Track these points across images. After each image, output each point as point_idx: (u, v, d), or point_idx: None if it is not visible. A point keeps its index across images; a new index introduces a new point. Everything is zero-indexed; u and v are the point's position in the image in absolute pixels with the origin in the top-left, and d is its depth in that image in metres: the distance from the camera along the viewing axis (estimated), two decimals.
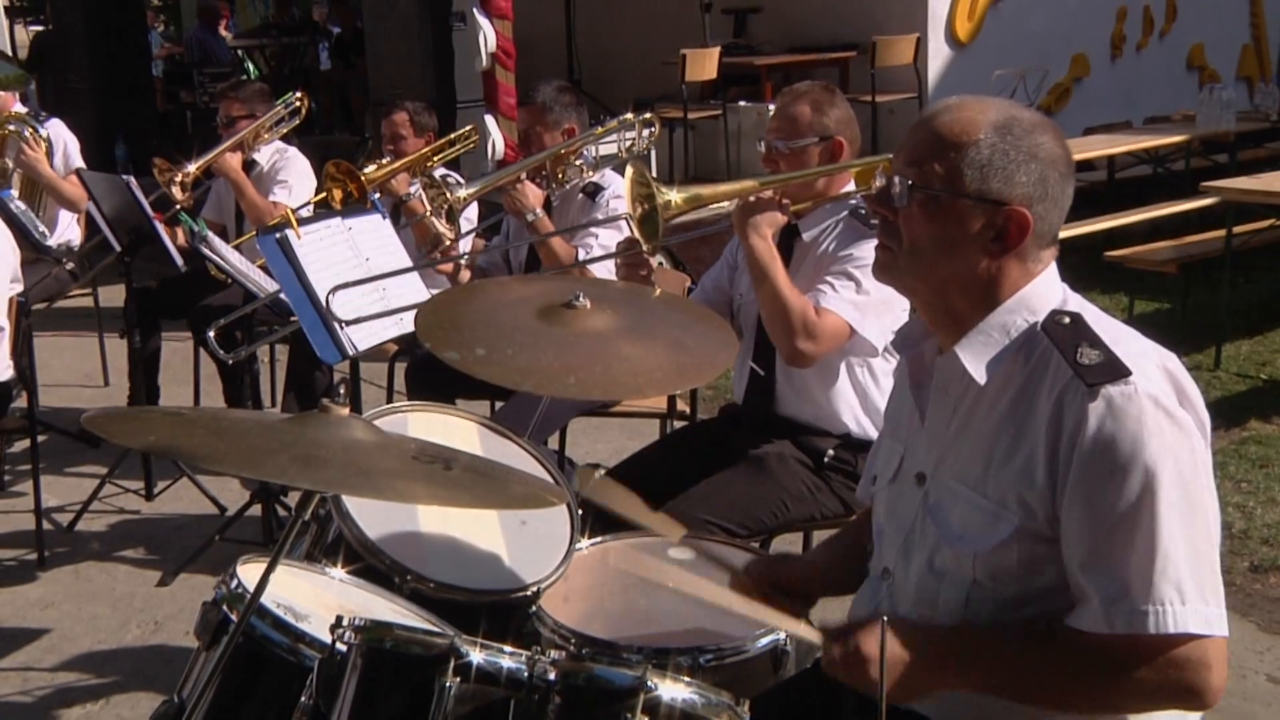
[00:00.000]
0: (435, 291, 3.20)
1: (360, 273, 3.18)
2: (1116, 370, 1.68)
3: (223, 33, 14.84)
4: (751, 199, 2.94)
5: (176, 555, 4.31)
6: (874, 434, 3.09)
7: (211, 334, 3.01)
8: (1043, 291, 1.80)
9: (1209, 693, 1.65)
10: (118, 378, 6.13)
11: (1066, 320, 1.76)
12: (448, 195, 3.87)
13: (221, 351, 3.00)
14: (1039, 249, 1.80)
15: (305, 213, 4.73)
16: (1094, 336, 1.73)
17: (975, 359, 1.77)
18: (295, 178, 5.46)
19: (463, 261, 4.31)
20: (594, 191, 4.17)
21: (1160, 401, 1.67)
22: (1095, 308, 1.82)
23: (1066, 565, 1.70)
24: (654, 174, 2.97)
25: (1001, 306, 1.79)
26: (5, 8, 13.45)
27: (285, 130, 5.56)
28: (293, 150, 5.61)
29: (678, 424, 4.01)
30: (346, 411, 1.55)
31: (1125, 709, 1.74)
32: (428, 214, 4.04)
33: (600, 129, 4.24)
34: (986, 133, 1.74)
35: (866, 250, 2.98)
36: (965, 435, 1.82)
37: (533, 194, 4.07)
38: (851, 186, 3.15)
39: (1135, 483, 1.64)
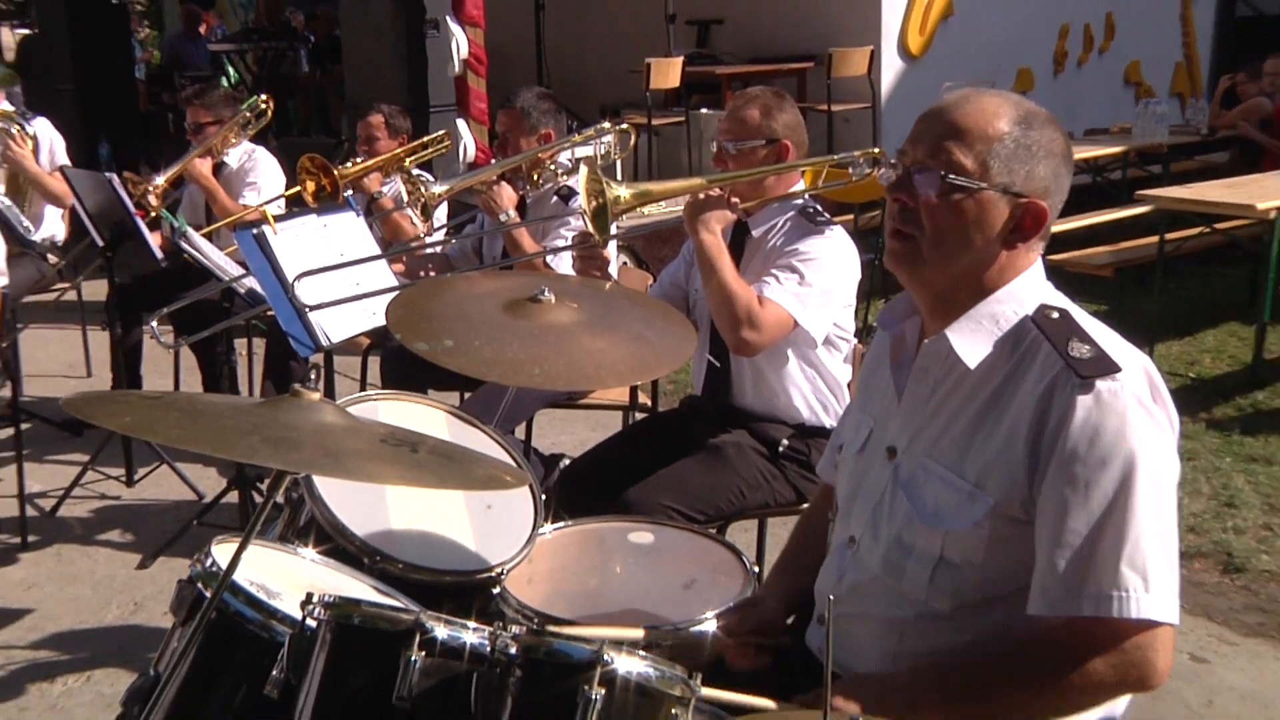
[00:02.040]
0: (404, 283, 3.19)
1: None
2: (1108, 366, 1.69)
3: (202, 35, 14.73)
4: (701, 196, 2.95)
5: (155, 539, 4.29)
6: (827, 422, 3.12)
7: (154, 322, 3.00)
8: (1031, 285, 1.81)
9: (1158, 676, 1.68)
10: (100, 369, 6.09)
11: (1055, 315, 1.76)
12: (423, 191, 3.87)
13: (163, 340, 3.00)
14: (1040, 240, 1.81)
15: (276, 208, 4.71)
16: (1083, 332, 1.74)
17: (966, 344, 1.77)
18: (264, 179, 5.44)
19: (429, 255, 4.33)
20: (568, 195, 4.17)
21: (1142, 400, 1.69)
22: (1076, 306, 1.82)
23: (1038, 546, 1.70)
24: (619, 176, 2.99)
25: (992, 296, 1.79)
26: None
27: (253, 132, 5.53)
28: (261, 151, 5.58)
29: (639, 416, 4.02)
30: (317, 396, 1.55)
31: (1084, 704, 1.73)
32: (404, 206, 4.03)
33: (578, 135, 4.24)
34: (1010, 126, 1.74)
35: (811, 245, 3.01)
36: (942, 416, 1.81)
37: (507, 196, 4.07)
38: (800, 186, 3.17)
39: (1115, 473, 1.65)
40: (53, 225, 6.33)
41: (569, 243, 4.01)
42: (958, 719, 1.74)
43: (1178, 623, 1.68)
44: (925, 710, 1.72)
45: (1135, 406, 1.68)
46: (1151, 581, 1.65)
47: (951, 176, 1.73)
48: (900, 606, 1.83)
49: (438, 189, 3.97)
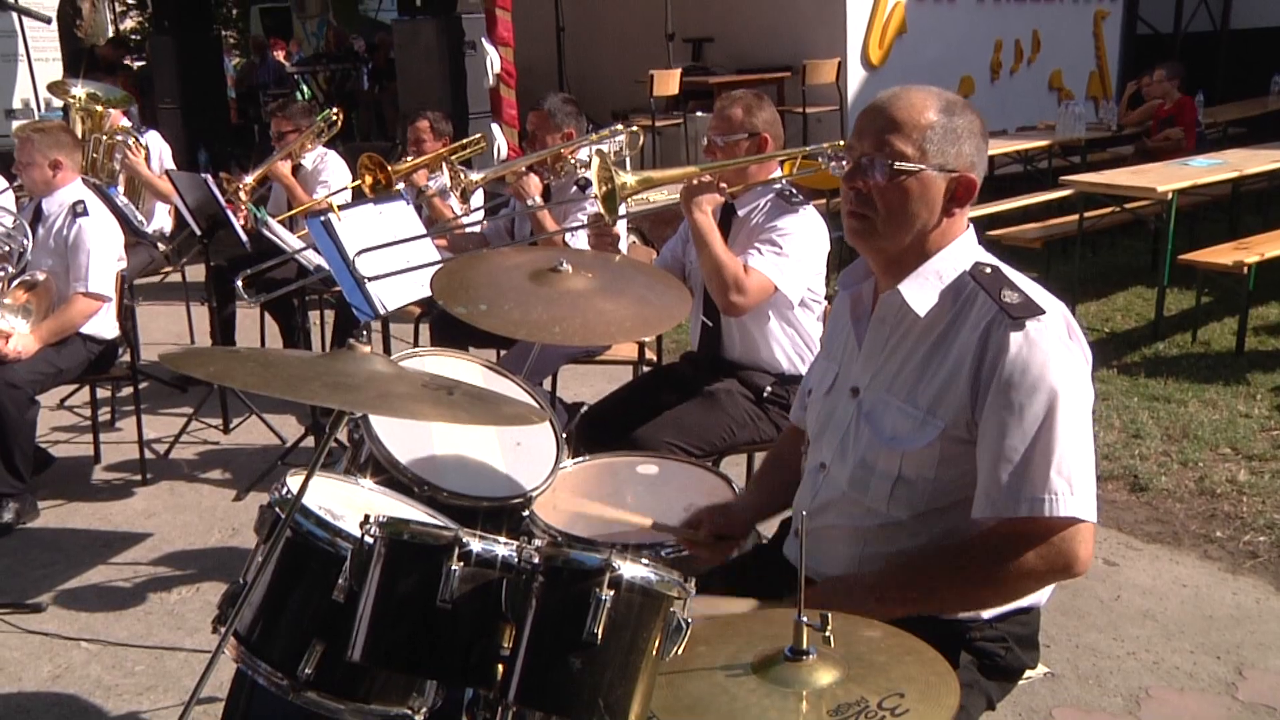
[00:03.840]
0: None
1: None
2: (1034, 308, 1.67)
3: (283, 60, 14.64)
4: (695, 182, 2.91)
5: (248, 476, 4.30)
6: (803, 371, 3.08)
7: (239, 282, 3.02)
8: (966, 247, 1.78)
9: (1080, 565, 1.66)
10: (201, 337, 6.10)
11: (989, 270, 1.74)
12: (463, 178, 3.85)
13: (247, 295, 3.07)
14: (970, 206, 1.78)
15: (344, 198, 4.69)
16: (1012, 283, 1.72)
17: (916, 296, 1.75)
18: (333, 176, 5.44)
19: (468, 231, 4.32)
20: (585, 185, 4.13)
21: (1062, 338, 1.67)
22: (1004, 264, 1.79)
23: (980, 461, 1.68)
24: (628, 169, 2.94)
25: (936, 256, 1.76)
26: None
27: (326, 139, 5.52)
28: (332, 154, 5.58)
29: (646, 369, 3.99)
30: (369, 349, 1.52)
31: (1019, 590, 1.72)
32: (448, 196, 4.00)
33: (594, 135, 4.20)
34: (937, 114, 1.71)
35: (788, 222, 2.96)
36: (897, 357, 1.79)
37: (533, 184, 4.04)
38: (778, 173, 3.12)
39: (1043, 397, 1.64)
40: (161, 219, 6.33)
41: (587, 218, 3.99)
42: (912, 609, 1.71)
43: (1096, 520, 1.66)
44: (886, 603, 1.70)
45: (1057, 343, 1.66)
46: (1075, 486, 1.64)
47: (897, 163, 1.70)
48: (865, 517, 1.81)
49: (476, 176, 3.96)
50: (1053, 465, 1.63)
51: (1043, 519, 1.64)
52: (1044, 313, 1.67)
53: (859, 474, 1.81)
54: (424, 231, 3.40)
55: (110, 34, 13.54)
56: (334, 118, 5.44)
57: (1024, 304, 1.68)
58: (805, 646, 1.42)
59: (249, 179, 5.08)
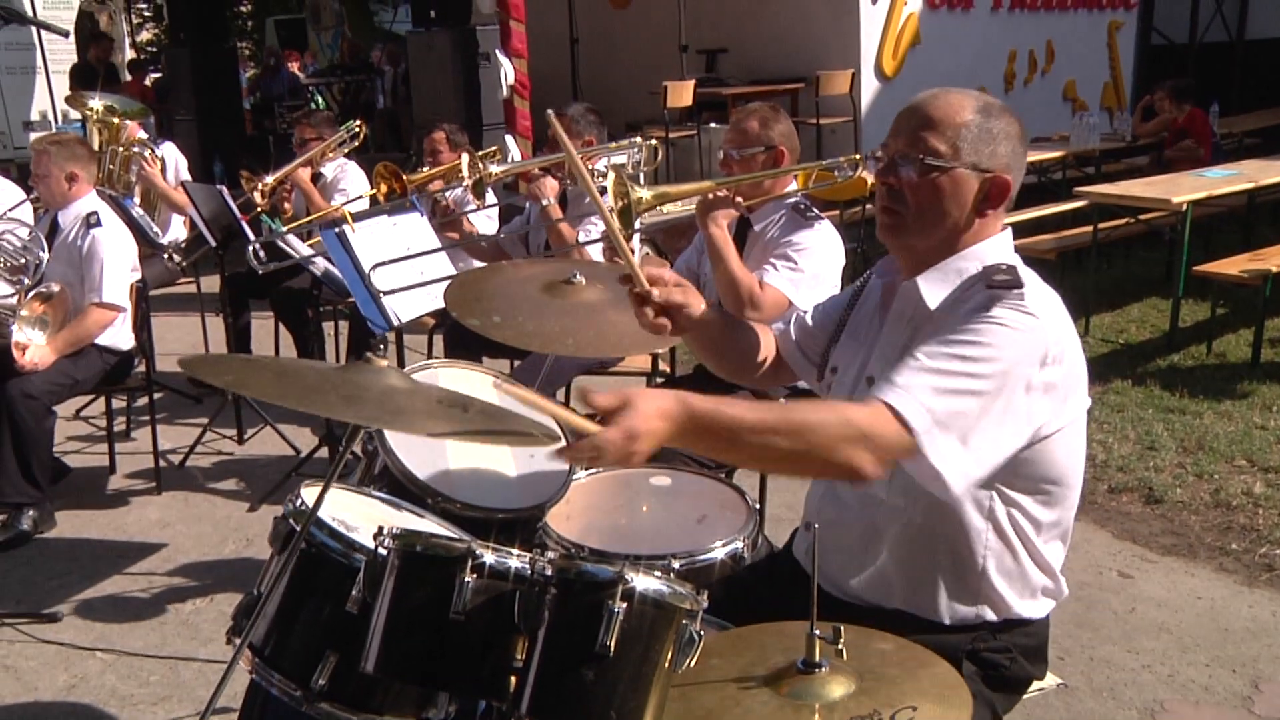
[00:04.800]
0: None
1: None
2: (1013, 283, 1.65)
3: (297, 72, 14.75)
4: (711, 196, 2.92)
5: (262, 487, 4.32)
6: None
7: (251, 248, 3.13)
8: (995, 248, 1.76)
9: (865, 474, 1.52)
10: (216, 348, 6.12)
11: (1005, 266, 1.72)
12: (481, 169, 3.90)
13: (256, 262, 3.14)
14: (1004, 209, 1.77)
15: (361, 206, 4.72)
16: (1015, 271, 1.69)
17: (930, 289, 1.74)
18: (352, 186, 5.47)
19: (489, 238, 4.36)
20: (601, 192, 4.13)
21: (1028, 323, 1.61)
22: (1032, 271, 1.74)
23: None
24: (642, 180, 2.95)
25: (959, 254, 1.75)
26: (131, 61, 13.62)
27: (347, 150, 5.55)
28: (351, 164, 5.61)
29: (660, 381, 4.00)
30: (385, 363, 1.53)
31: (816, 451, 1.52)
32: (464, 208, 4.02)
33: (613, 144, 4.22)
34: (973, 114, 1.72)
35: (803, 237, 2.96)
36: (905, 347, 1.75)
37: (549, 185, 4.06)
38: (794, 186, 3.12)
39: (977, 345, 1.58)
40: (177, 230, 6.38)
41: (600, 233, 4.00)
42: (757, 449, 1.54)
43: (929, 457, 1.53)
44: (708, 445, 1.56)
45: (1017, 313, 1.61)
46: (929, 402, 1.54)
47: (929, 159, 1.70)
48: (871, 507, 1.81)
49: (494, 169, 4.00)
50: (938, 387, 1.55)
51: (896, 419, 1.53)
52: (1021, 286, 1.64)
53: None
54: (438, 243, 3.42)
55: (99, 34, 13.57)
56: (356, 129, 5.49)
57: (1007, 281, 1.65)
58: (818, 659, 1.43)
59: (269, 179, 5.13)
